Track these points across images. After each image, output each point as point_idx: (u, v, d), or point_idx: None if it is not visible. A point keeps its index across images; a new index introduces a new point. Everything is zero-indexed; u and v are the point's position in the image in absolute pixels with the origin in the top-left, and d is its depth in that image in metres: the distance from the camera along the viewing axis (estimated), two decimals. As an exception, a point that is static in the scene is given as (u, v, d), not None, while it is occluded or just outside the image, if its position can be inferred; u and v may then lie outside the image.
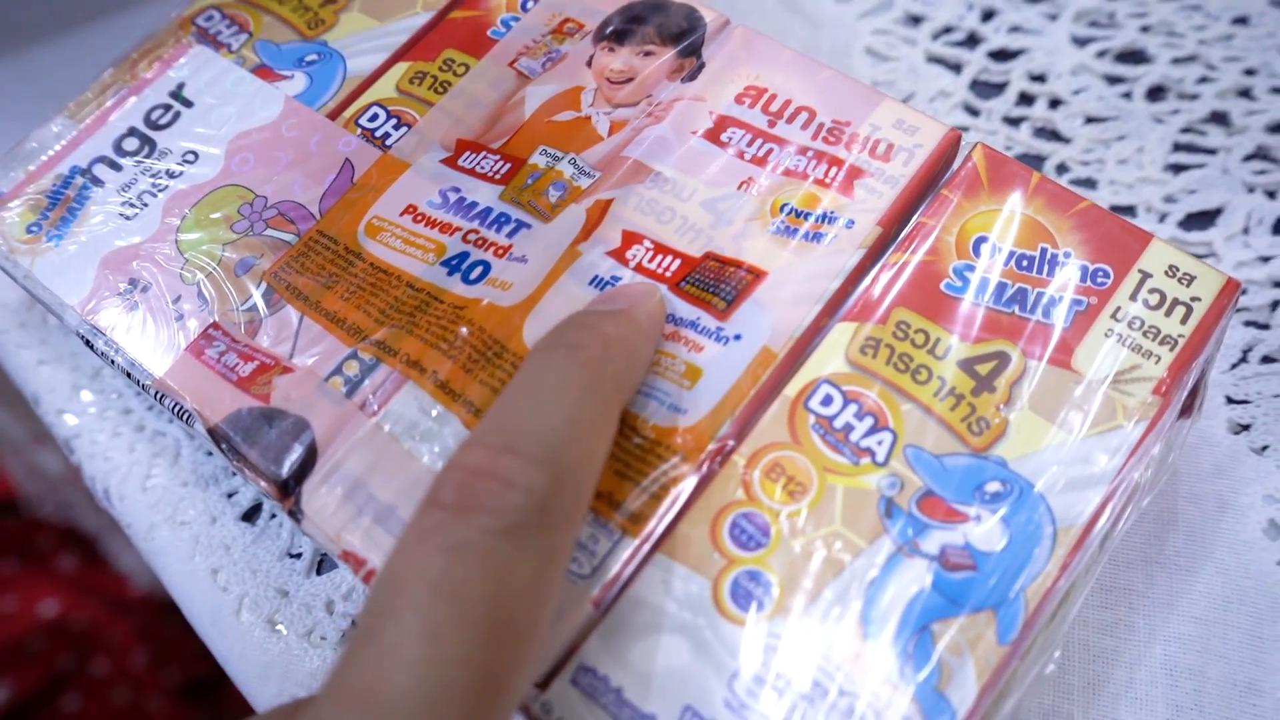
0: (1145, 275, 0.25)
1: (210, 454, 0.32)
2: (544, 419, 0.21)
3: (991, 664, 0.22)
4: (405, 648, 0.17)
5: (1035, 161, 0.34)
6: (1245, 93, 0.34)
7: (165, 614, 0.70)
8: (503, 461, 0.20)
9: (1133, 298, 0.25)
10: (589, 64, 0.30)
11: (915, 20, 0.38)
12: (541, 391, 0.21)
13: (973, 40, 0.37)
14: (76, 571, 0.72)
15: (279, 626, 0.29)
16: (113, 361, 0.27)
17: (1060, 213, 0.26)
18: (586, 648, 0.22)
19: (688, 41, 0.30)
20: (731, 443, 0.24)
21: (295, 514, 0.25)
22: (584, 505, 0.21)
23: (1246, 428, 0.29)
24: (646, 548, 0.23)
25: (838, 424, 0.24)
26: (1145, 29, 0.36)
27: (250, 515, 0.31)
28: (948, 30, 0.37)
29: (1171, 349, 0.24)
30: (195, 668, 0.69)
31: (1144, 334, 0.25)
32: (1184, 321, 0.25)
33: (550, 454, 0.20)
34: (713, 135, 0.28)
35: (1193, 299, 0.25)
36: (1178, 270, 0.25)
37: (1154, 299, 0.25)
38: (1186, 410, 0.26)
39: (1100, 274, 0.25)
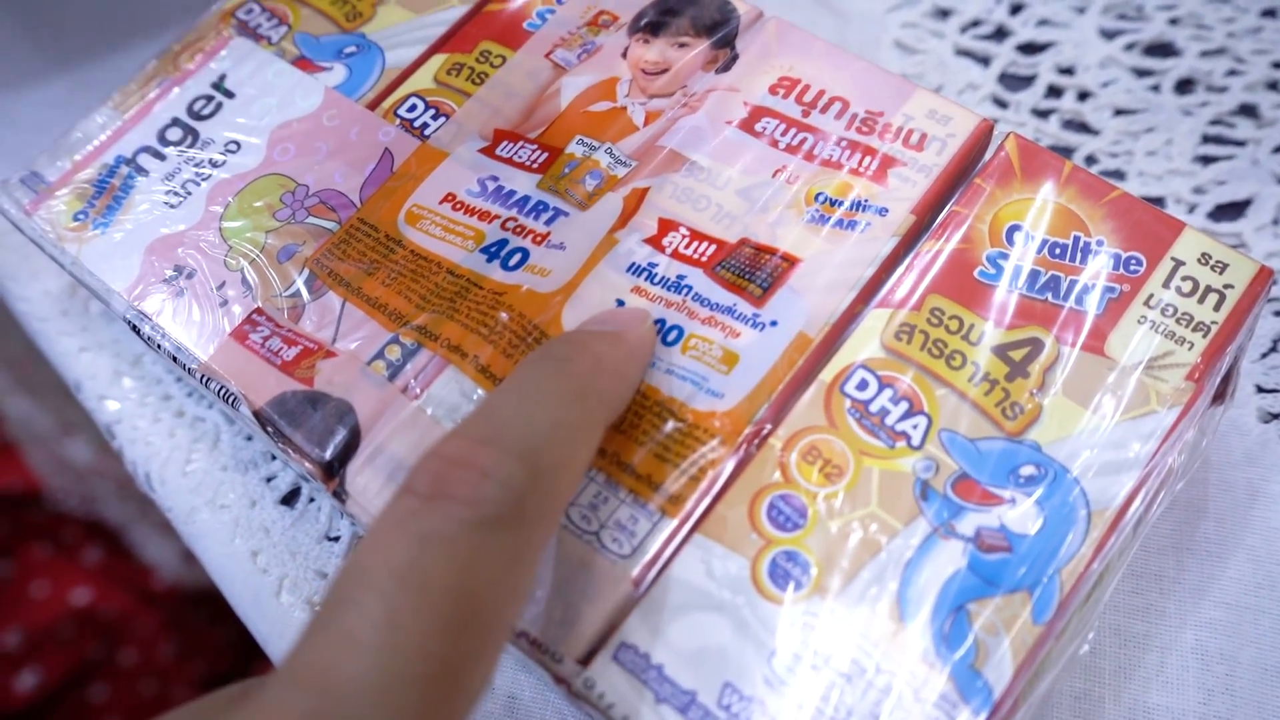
0: (1178, 263, 0.25)
1: (249, 438, 0.32)
2: (527, 418, 0.21)
3: (1027, 644, 0.22)
4: (363, 633, 0.17)
5: (1064, 153, 0.35)
6: (1274, 85, 0.35)
7: (191, 606, 0.71)
8: (482, 452, 0.20)
9: (1166, 285, 0.25)
10: (624, 55, 0.30)
11: (944, 13, 0.38)
12: (527, 394, 0.21)
13: (1001, 33, 0.37)
14: (103, 563, 0.72)
15: (318, 607, 0.29)
16: (159, 346, 0.28)
17: (1093, 201, 0.26)
18: (627, 625, 0.23)
19: (721, 33, 0.30)
20: (769, 426, 0.24)
21: (339, 495, 0.25)
22: (559, 507, 0.21)
23: (1277, 416, 0.29)
24: (686, 528, 0.23)
25: (873, 408, 0.24)
26: (1174, 21, 0.36)
27: (289, 499, 0.31)
28: (976, 23, 0.38)
29: (1205, 335, 0.25)
30: (220, 659, 0.70)
31: (1177, 321, 0.25)
32: (1217, 308, 0.25)
33: (530, 451, 0.20)
34: (747, 125, 0.29)
35: (1226, 286, 0.25)
36: (1210, 258, 0.25)
37: (1187, 286, 0.25)
38: (1219, 397, 0.26)
39: (1133, 261, 0.26)
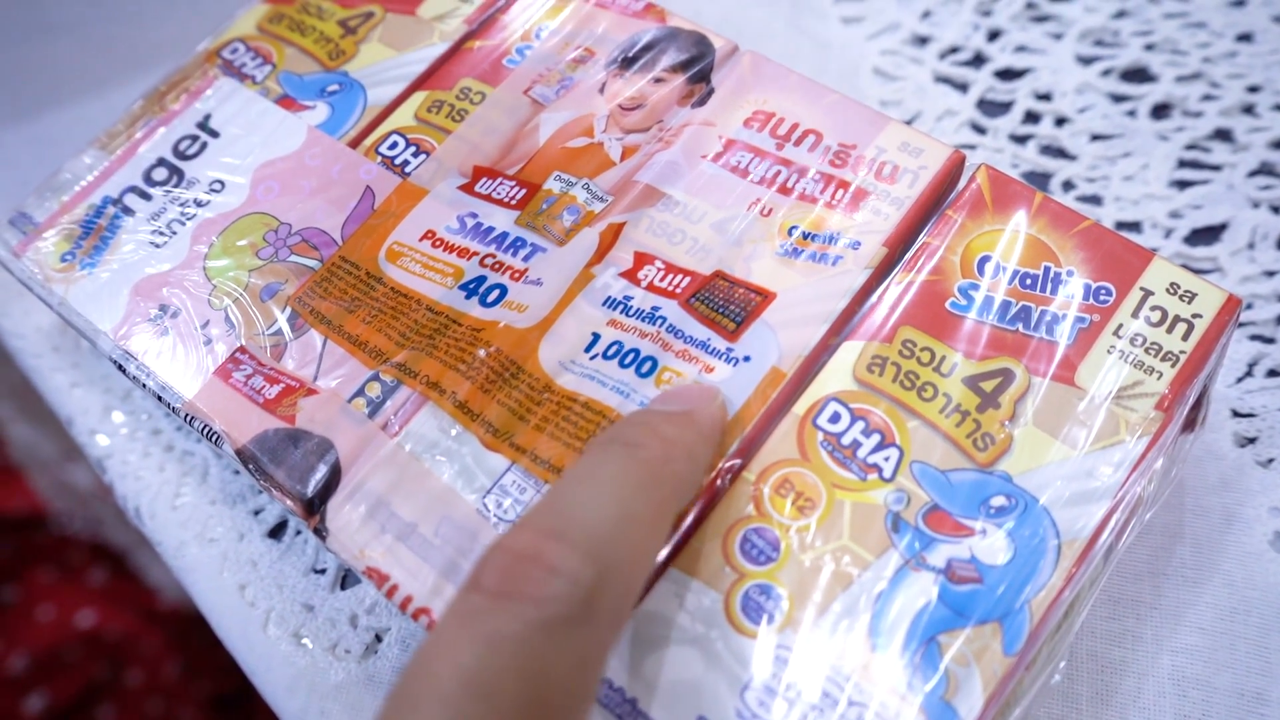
0: (1147, 293, 0.26)
1: (237, 473, 0.33)
2: (597, 511, 0.20)
3: (997, 674, 0.22)
4: None
5: (1041, 179, 0.35)
6: (1249, 109, 0.35)
7: (195, 627, 0.71)
8: (550, 547, 0.19)
9: (1135, 315, 0.26)
10: (601, 91, 0.31)
11: (922, 41, 0.38)
12: (597, 484, 0.21)
13: (979, 60, 0.38)
14: (108, 585, 0.73)
15: (305, 640, 0.30)
16: (144, 385, 0.28)
17: (1063, 232, 0.27)
18: (602, 660, 0.23)
19: (697, 68, 0.31)
20: (741, 460, 0.25)
21: (320, 531, 0.26)
22: (630, 605, 0.20)
23: (1252, 440, 0.29)
24: (660, 563, 0.24)
25: (845, 441, 0.25)
26: (1149, 47, 0.36)
27: (276, 532, 0.32)
28: (954, 50, 0.38)
29: (1173, 365, 0.25)
30: (224, 680, 0.70)
31: (1146, 350, 0.25)
32: (1185, 338, 0.25)
33: (600, 547, 0.19)
34: (722, 159, 0.29)
35: (1194, 315, 0.25)
36: (1179, 287, 0.26)
37: (1156, 316, 0.25)
38: (1189, 425, 0.26)
39: (1103, 291, 0.26)
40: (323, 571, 0.31)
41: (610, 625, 0.19)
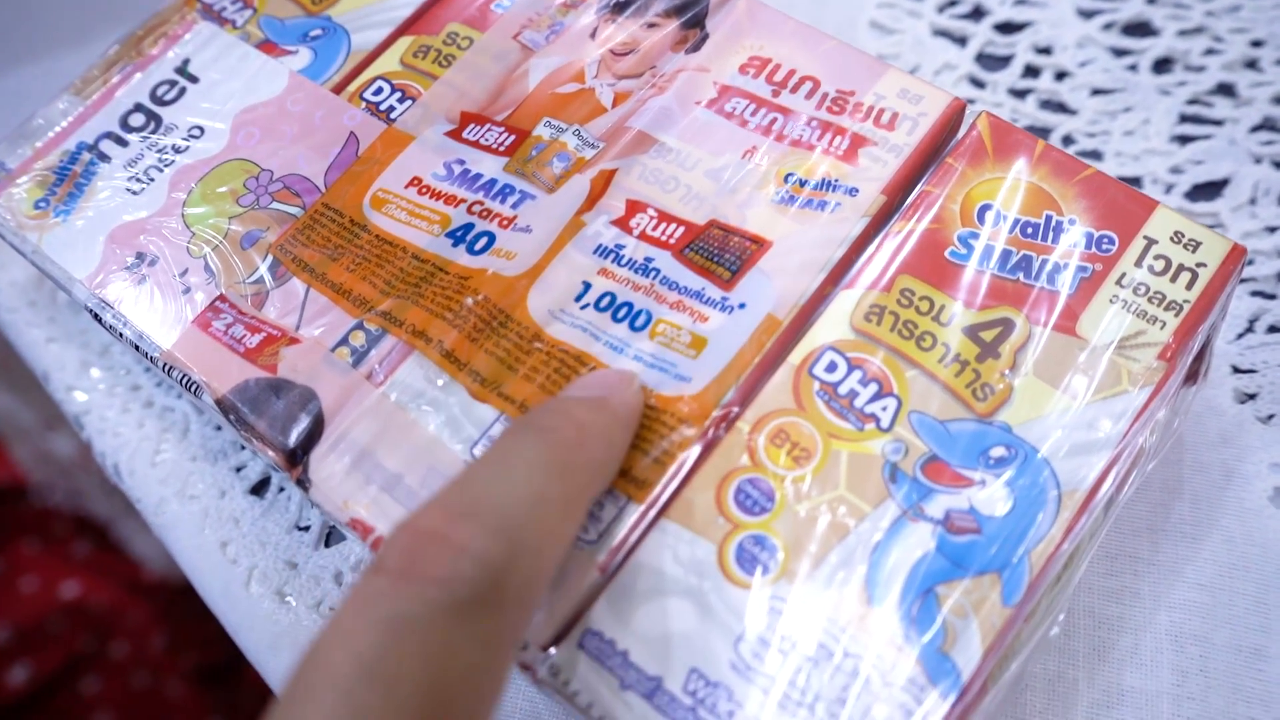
0: (1151, 241, 0.25)
1: (219, 428, 0.32)
2: (508, 492, 0.19)
3: (996, 626, 0.22)
4: None
5: (1041, 133, 0.34)
6: (1252, 64, 0.34)
7: (181, 598, 0.71)
8: (458, 526, 0.18)
9: (1138, 264, 0.25)
10: (593, 36, 0.30)
11: (920, -7, 0.38)
12: (509, 467, 0.20)
13: (978, 13, 0.37)
14: (92, 556, 0.72)
15: (288, 598, 0.29)
16: (121, 335, 0.27)
17: (1065, 180, 0.26)
18: (593, 612, 0.22)
19: (691, 13, 0.30)
20: (736, 409, 0.24)
21: (303, 483, 0.25)
22: (540, 588, 0.19)
23: (1253, 397, 0.29)
24: (652, 513, 0.23)
25: (842, 390, 0.24)
26: (1151, 1, 0.36)
27: (259, 489, 0.31)
28: (953, 3, 0.37)
29: (1177, 314, 0.24)
30: (211, 651, 0.70)
31: (1149, 300, 0.25)
32: (1189, 287, 0.25)
33: (510, 527, 0.18)
34: (716, 105, 0.28)
35: (1198, 265, 0.25)
36: (1183, 236, 0.25)
37: (1159, 265, 0.25)
38: (1192, 376, 0.26)
39: (1105, 240, 0.25)
40: (306, 529, 0.30)
41: (519, 608, 0.19)
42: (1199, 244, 0.25)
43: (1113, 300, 0.25)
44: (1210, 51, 0.35)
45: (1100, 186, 0.26)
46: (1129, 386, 0.24)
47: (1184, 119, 0.34)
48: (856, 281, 0.25)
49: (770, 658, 0.22)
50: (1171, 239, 0.25)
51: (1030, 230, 0.26)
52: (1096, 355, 0.24)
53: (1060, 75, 0.35)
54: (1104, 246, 0.25)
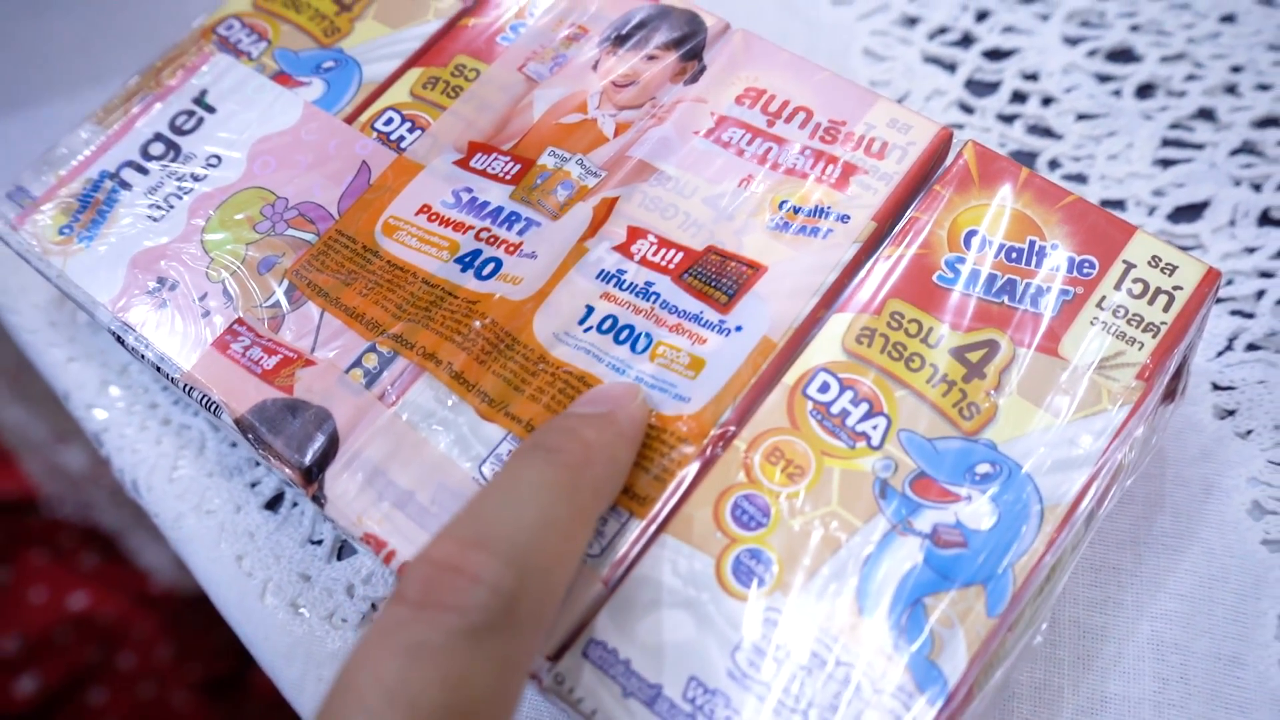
0: (1129, 265, 0.26)
1: (234, 445, 0.33)
2: (517, 519, 0.20)
3: (981, 635, 0.23)
4: None
5: (1028, 158, 0.35)
6: (1231, 89, 0.35)
7: (188, 610, 0.71)
8: (471, 556, 0.19)
9: (1117, 287, 0.26)
10: (595, 68, 0.31)
11: (911, 21, 0.39)
12: (517, 492, 0.21)
13: (967, 40, 0.38)
14: (100, 568, 0.73)
15: (302, 610, 0.30)
16: (142, 356, 0.29)
17: (1048, 206, 0.27)
18: (597, 623, 0.24)
19: (689, 45, 0.31)
20: (733, 428, 0.25)
21: (318, 499, 0.26)
22: (551, 609, 0.21)
23: (1232, 413, 0.30)
24: (653, 528, 0.24)
25: (834, 410, 0.25)
26: (1135, 28, 0.37)
27: (273, 504, 0.32)
28: (943, 30, 0.38)
29: (1154, 336, 0.25)
30: (217, 663, 0.71)
31: (1128, 321, 0.26)
32: (1166, 309, 0.26)
33: (520, 554, 0.20)
34: (714, 135, 0.29)
35: (1175, 288, 0.26)
36: (1160, 260, 0.26)
37: (1138, 288, 0.26)
38: (1170, 395, 0.27)
39: (1086, 264, 0.26)
40: (319, 543, 0.31)
41: (532, 630, 0.20)
42: (1175, 268, 0.26)
43: (1093, 322, 0.26)
44: (1191, 77, 0.36)
45: (1081, 212, 0.27)
46: (1108, 405, 0.25)
47: (1166, 143, 0.35)
48: (848, 305, 0.26)
49: (766, 666, 0.23)
50: (1149, 263, 0.26)
51: (1014, 255, 0.27)
52: (1078, 375, 0.25)
53: (1046, 101, 0.36)
54: (1085, 270, 0.26)
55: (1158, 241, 0.27)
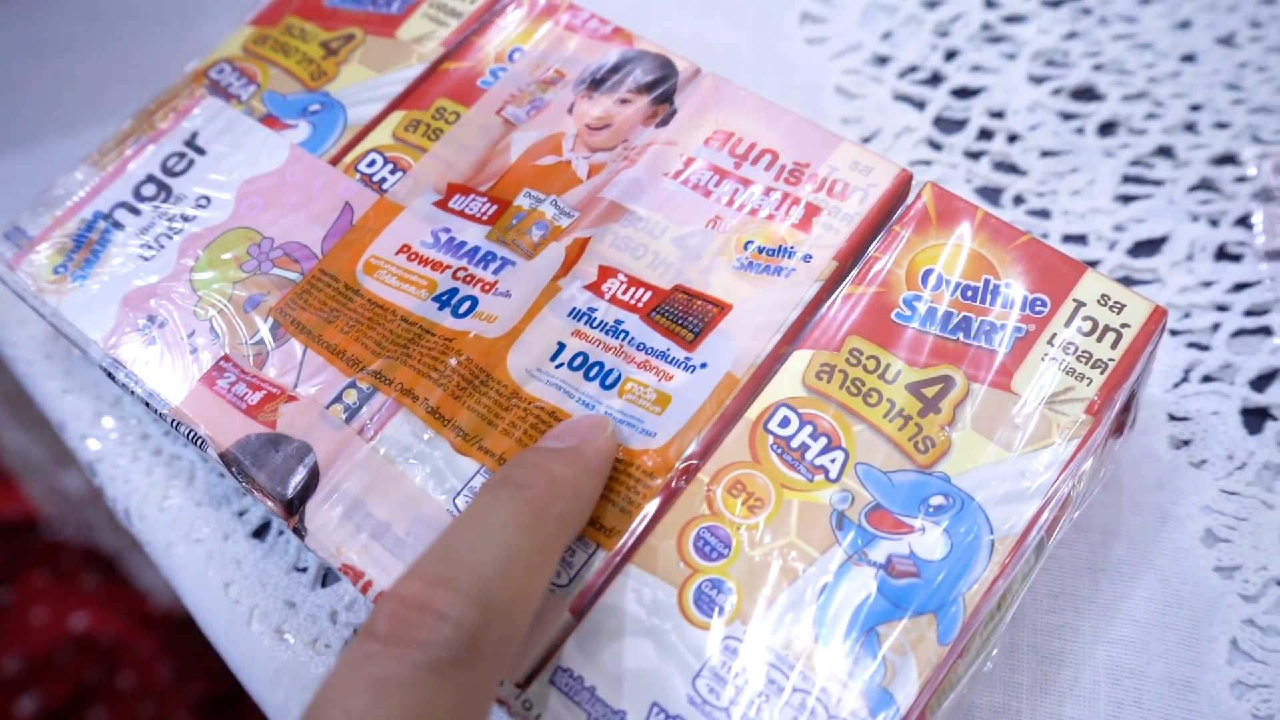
0: (1079, 304, 0.27)
1: (222, 475, 0.34)
2: (482, 555, 0.21)
3: (932, 662, 0.24)
4: None
5: (994, 194, 0.37)
6: (1190, 127, 0.36)
7: (186, 630, 0.72)
8: (437, 594, 0.20)
9: (1068, 324, 0.27)
10: (570, 111, 0.32)
11: (882, 60, 0.40)
12: (483, 528, 0.22)
13: (936, 79, 0.39)
14: (100, 589, 0.74)
15: (287, 635, 0.31)
16: (132, 392, 0.30)
17: (1002, 246, 0.28)
18: (564, 651, 0.24)
19: (661, 89, 0.32)
20: (697, 462, 0.26)
21: (299, 531, 0.27)
22: (514, 642, 0.22)
23: (1186, 443, 0.31)
24: (619, 559, 0.25)
25: (794, 444, 0.26)
26: (1098, 68, 0.38)
27: (260, 532, 0.33)
28: (913, 69, 0.40)
29: (1102, 372, 0.26)
30: (216, 683, 0.72)
31: (1077, 358, 0.27)
32: (1114, 346, 0.27)
33: (484, 590, 0.21)
34: (683, 177, 0.30)
35: (1123, 325, 0.27)
36: (1109, 299, 0.27)
37: (1087, 325, 0.27)
38: (1118, 428, 0.28)
39: (1038, 303, 0.27)
40: (304, 570, 0.32)
41: (495, 663, 0.21)
42: (1124, 306, 0.27)
43: (1044, 358, 0.27)
44: (1151, 115, 0.37)
45: (1035, 252, 0.28)
46: (1058, 439, 0.26)
47: (1126, 179, 0.36)
48: (809, 342, 0.27)
49: (725, 692, 0.24)
50: (1099, 301, 0.27)
51: (970, 293, 0.28)
52: (1029, 410, 0.26)
53: (1012, 138, 0.37)
54: (1037, 308, 0.27)
55: (1107, 280, 0.28)
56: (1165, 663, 0.28)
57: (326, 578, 0.32)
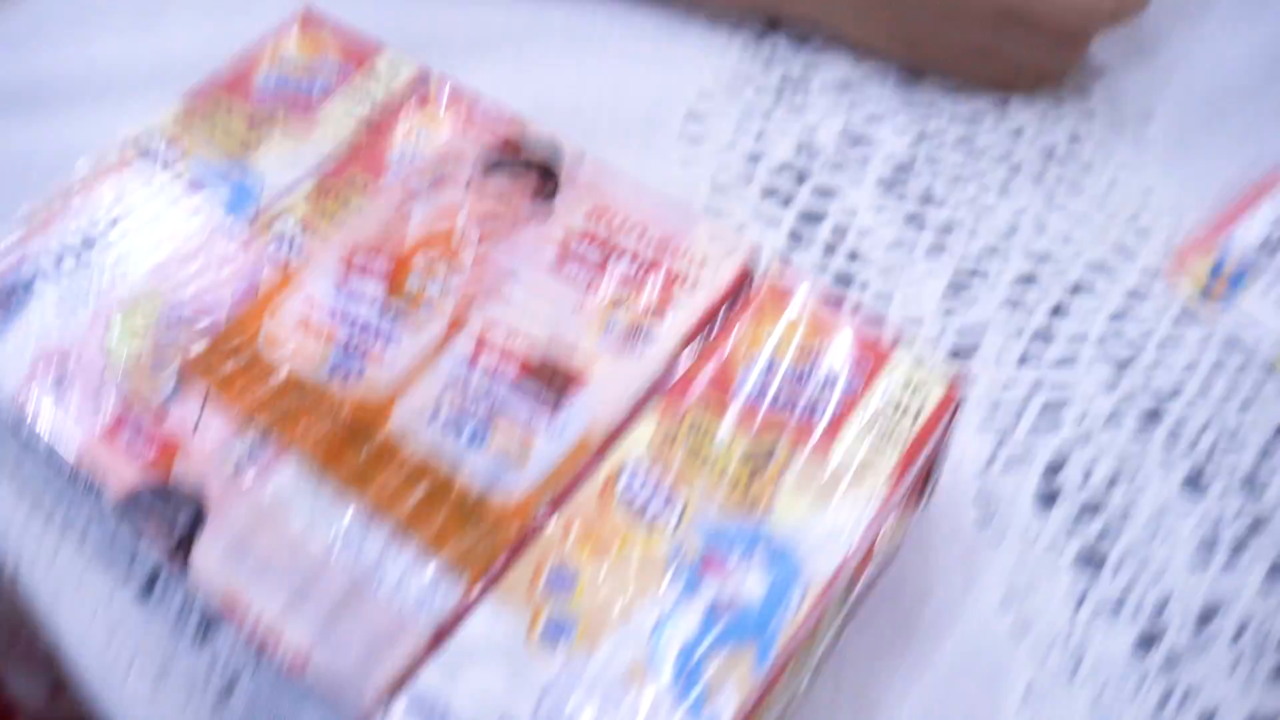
0: (888, 384, 0.32)
1: (114, 531, 0.36)
2: None
3: (748, 687, 0.27)
4: None
5: (845, 281, 0.41)
6: (1013, 230, 0.42)
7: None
8: None
9: (879, 400, 0.32)
10: (467, 185, 0.37)
11: (754, 159, 0.45)
12: None
13: (801, 177, 0.44)
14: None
15: (164, 689, 0.34)
16: (35, 447, 0.32)
17: (829, 329, 0.33)
18: (423, 674, 0.28)
19: (549, 168, 0.37)
20: (552, 511, 0.30)
21: (185, 573, 0.30)
22: None
23: (988, 523, 0.36)
24: (477, 591, 0.29)
25: (639, 499, 0.30)
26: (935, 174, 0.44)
27: (148, 586, 0.35)
28: (782, 168, 0.45)
29: (901, 446, 0.31)
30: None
31: (881, 433, 0.31)
32: (913, 423, 0.31)
33: None
34: (561, 252, 0.35)
35: (921, 405, 0.31)
36: (912, 381, 0.32)
37: (892, 404, 0.32)
38: (917, 495, 0.32)
39: (855, 382, 0.32)
40: (188, 621, 0.35)
41: None
42: (923, 387, 0.32)
43: (856, 431, 0.31)
44: (980, 218, 0.42)
45: (857, 336, 0.33)
46: (863, 501, 0.30)
47: (958, 271, 0.41)
48: (657, 410, 0.31)
49: (564, 717, 0.27)
50: (904, 384, 0.32)
51: (797, 372, 0.32)
52: (841, 475, 0.30)
53: (862, 233, 0.42)
54: (854, 386, 0.32)
55: (913, 364, 0.32)
56: (966, 713, 0.32)
57: (207, 632, 0.35)
